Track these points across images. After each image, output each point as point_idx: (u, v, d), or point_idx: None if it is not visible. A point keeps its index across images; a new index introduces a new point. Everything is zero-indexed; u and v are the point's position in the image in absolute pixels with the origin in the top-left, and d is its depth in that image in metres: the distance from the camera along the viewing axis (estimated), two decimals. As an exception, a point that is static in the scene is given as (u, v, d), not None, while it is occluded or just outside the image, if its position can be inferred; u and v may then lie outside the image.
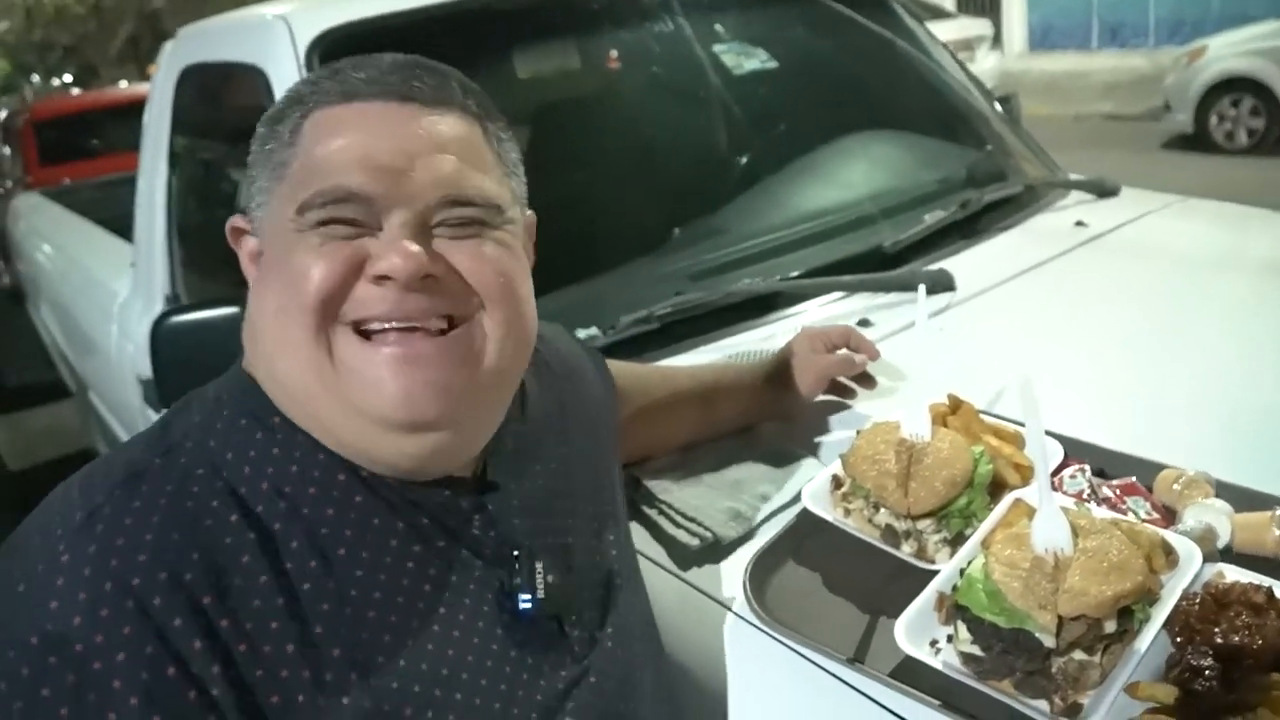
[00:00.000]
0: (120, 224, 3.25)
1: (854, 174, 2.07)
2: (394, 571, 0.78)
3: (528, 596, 0.82)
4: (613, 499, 1.04)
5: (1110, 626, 0.86)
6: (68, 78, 29.77)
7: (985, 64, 11.52)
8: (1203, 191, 2.31)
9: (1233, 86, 8.69)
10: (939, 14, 12.75)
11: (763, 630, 1.02)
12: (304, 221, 0.77)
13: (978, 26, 13.56)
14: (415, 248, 0.76)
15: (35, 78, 32.55)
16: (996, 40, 14.29)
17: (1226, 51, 8.85)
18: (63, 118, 8.32)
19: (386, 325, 0.77)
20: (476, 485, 0.86)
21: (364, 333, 0.78)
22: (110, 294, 2.94)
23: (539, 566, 0.83)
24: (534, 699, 0.81)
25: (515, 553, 0.84)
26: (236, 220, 0.86)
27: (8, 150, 8.43)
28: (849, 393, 1.42)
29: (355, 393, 0.77)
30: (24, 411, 5.73)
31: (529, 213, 0.91)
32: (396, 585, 0.78)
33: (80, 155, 7.47)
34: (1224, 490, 1.08)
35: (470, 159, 0.82)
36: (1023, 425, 1.19)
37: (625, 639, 0.93)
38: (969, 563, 0.95)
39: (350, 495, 0.79)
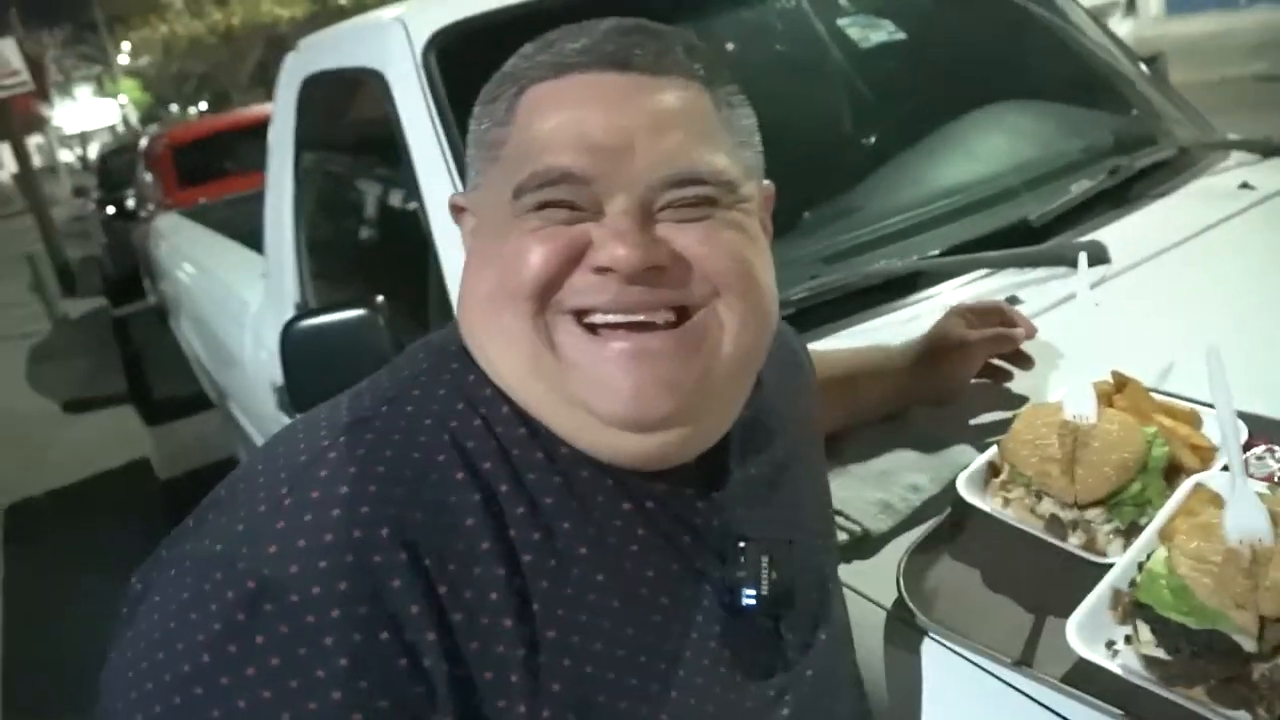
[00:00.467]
0: (253, 238, 3.34)
1: (992, 146, 1.96)
2: (616, 555, 0.73)
3: (752, 591, 0.76)
4: (827, 497, 0.98)
5: (1323, 626, 0.77)
6: (203, 105, 31.19)
7: (1119, 31, 11.03)
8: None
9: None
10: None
11: (922, 631, 0.95)
12: (520, 206, 0.73)
13: (1109, -8, 13.04)
14: (638, 237, 0.71)
15: (174, 107, 34.22)
16: (1130, 6, 13.70)
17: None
18: (198, 141, 8.66)
19: (610, 318, 0.72)
20: (701, 471, 0.79)
21: (589, 325, 0.73)
22: (243, 305, 3.03)
23: (765, 560, 0.77)
24: (745, 702, 0.76)
25: (741, 544, 0.78)
26: (456, 198, 0.84)
27: (149, 176, 8.82)
28: (1004, 374, 1.33)
29: (580, 388, 0.72)
30: (171, 423, 6.03)
31: (766, 183, 0.84)
32: (618, 569, 0.73)
33: (216, 176, 7.75)
34: None
35: (698, 132, 0.75)
36: (1198, 402, 1.09)
37: (836, 647, 0.87)
38: (1147, 555, 0.87)
39: (576, 470, 0.74)
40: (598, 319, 0.72)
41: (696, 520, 0.78)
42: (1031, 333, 1.32)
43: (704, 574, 0.77)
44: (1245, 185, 1.82)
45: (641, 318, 0.72)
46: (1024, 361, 1.32)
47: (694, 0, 1.99)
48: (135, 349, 8.32)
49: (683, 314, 0.73)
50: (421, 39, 1.80)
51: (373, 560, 0.64)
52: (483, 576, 0.67)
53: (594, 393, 0.72)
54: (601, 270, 0.71)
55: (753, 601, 0.76)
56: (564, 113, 0.73)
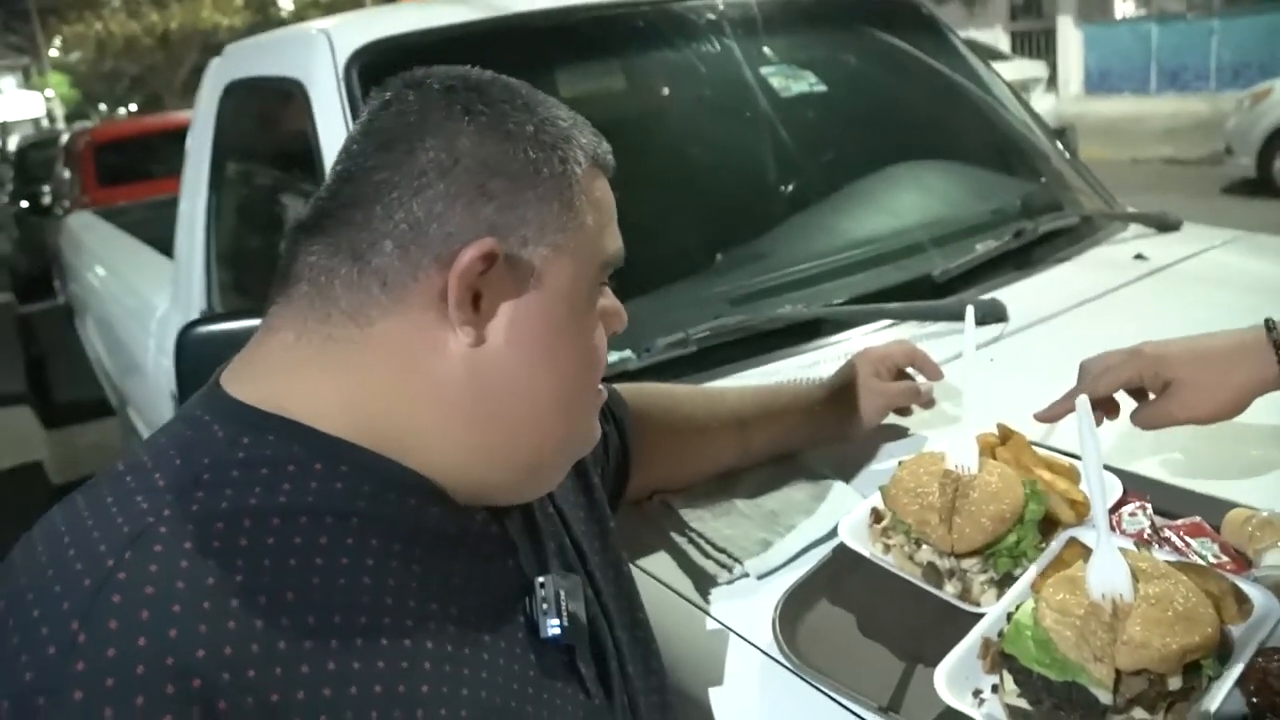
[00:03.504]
0: (168, 243, 3.27)
1: (904, 202, 2.01)
2: (440, 617, 0.72)
3: (555, 622, 0.78)
4: (609, 540, 0.97)
5: (1175, 683, 0.78)
6: (133, 107, 30.54)
7: (1041, 106, 11.40)
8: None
9: (1298, 130, 8.51)
10: (994, 55, 12.69)
11: (793, 672, 0.95)
12: (598, 284, 0.79)
13: (1033, 68, 13.51)
14: None
15: (103, 106, 33.46)
16: (1051, 82, 14.20)
17: (1293, 94, 8.69)
18: (122, 140, 8.46)
19: None
20: (496, 515, 0.81)
21: None
22: (150, 310, 2.95)
23: (561, 595, 0.79)
24: None
25: (540, 580, 0.80)
26: (493, 245, 0.71)
27: (69, 172, 8.59)
28: (906, 411, 1.36)
29: (581, 441, 0.83)
30: (69, 427, 5.82)
31: None
32: (446, 614, 0.72)
33: (138, 178, 7.55)
34: (1301, 535, 1.00)
35: None
36: (1078, 458, 1.12)
37: (628, 685, 0.88)
38: (1017, 607, 0.88)
39: (391, 542, 0.71)
40: None
41: (498, 560, 0.79)
42: (938, 378, 1.35)
43: (513, 609, 0.79)
44: (1140, 256, 1.89)
45: None
46: (927, 404, 1.35)
47: (619, 38, 2.00)
48: (39, 349, 8.04)
49: None
50: (345, 53, 1.79)
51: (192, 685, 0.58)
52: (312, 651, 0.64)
53: (588, 439, 0.84)
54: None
55: (558, 631, 0.78)
56: (613, 209, 0.80)
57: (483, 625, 0.75)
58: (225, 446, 0.69)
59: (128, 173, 7.73)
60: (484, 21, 1.87)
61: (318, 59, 1.83)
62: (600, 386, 0.83)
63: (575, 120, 0.78)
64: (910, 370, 1.36)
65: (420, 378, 0.72)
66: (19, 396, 6.68)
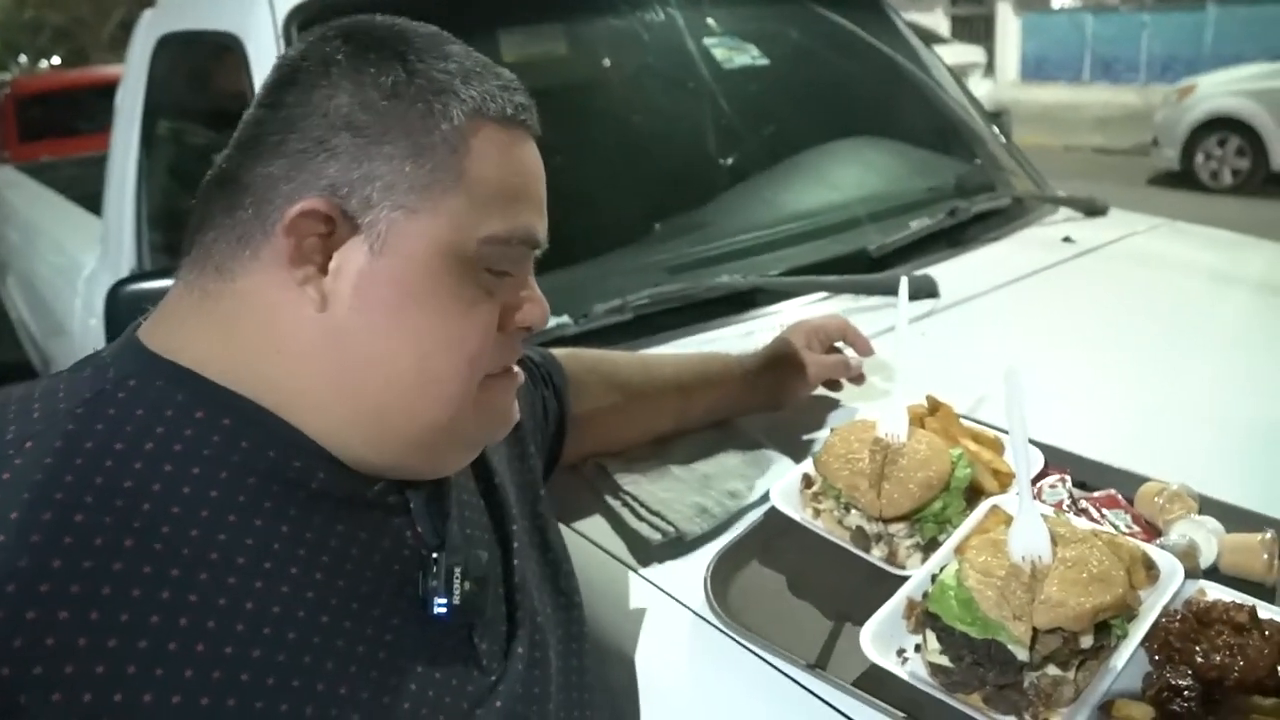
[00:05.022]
0: (96, 201, 3.18)
1: (842, 177, 2.04)
2: (305, 574, 0.71)
3: (443, 601, 0.77)
4: (514, 501, 0.96)
5: (1087, 641, 0.82)
6: (56, 60, 29.55)
7: (978, 91, 11.52)
8: (1184, 223, 2.30)
9: (1220, 126, 8.78)
10: (933, 39, 12.81)
11: (723, 632, 0.97)
12: (482, 255, 0.73)
13: (971, 54, 13.66)
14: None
15: (22, 58, 32.33)
16: (989, 68, 14.38)
17: (1215, 90, 8.94)
18: (45, 94, 8.21)
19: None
20: (398, 486, 0.80)
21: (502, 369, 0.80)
22: (77, 268, 2.88)
23: (457, 572, 0.78)
24: (441, 707, 0.76)
25: (434, 555, 0.78)
26: (321, 203, 0.69)
27: (-13, 126, 8.32)
28: (836, 387, 1.39)
29: (485, 426, 0.81)
30: (-11, 390, 5.64)
31: None
32: (307, 590, 0.70)
33: (62, 133, 7.35)
34: (1207, 505, 1.05)
35: None
36: (1004, 431, 1.15)
37: (542, 656, 0.87)
38: (941, 569, 0.90)
39: (262, 498, 0.71)
40: None
41: (394, 531, 0.78)
42: (869, 353, 1.38)
43: (400, 583, 0.77)
44: (1068, 239, 1.95)
45: None
46: (857, 379, 1.38)
47: (567, 5, 2.00)
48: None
49: None
50: (284, 8, 1.76)
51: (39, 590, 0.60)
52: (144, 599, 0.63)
53: (496, 425, 0.82)
54: (524, 330, 0.79)
55: (444, 610, 0.77)
56: (523, 171, 0.75)
57: (355, 592, 0.73)
58: (110, 386, 0.69)
59: (52, 128, 7.52)
60: (427, -20, 1.85)
61: (256, 14, 1.79)
62: (515, 368, 0.81)
63: (472, 72, 0.73)
64: (841, 344, 1.39)
65: (281, 338, 0.72)
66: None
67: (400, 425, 0.74)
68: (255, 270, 0.71)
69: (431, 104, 0.71)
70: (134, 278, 1.68)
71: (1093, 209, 2.14)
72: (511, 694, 0.82)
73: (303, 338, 0.72)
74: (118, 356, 0.73)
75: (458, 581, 0.78)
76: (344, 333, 0.71)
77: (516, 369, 0.82)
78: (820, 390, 1.38)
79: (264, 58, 1.75)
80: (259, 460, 0.71)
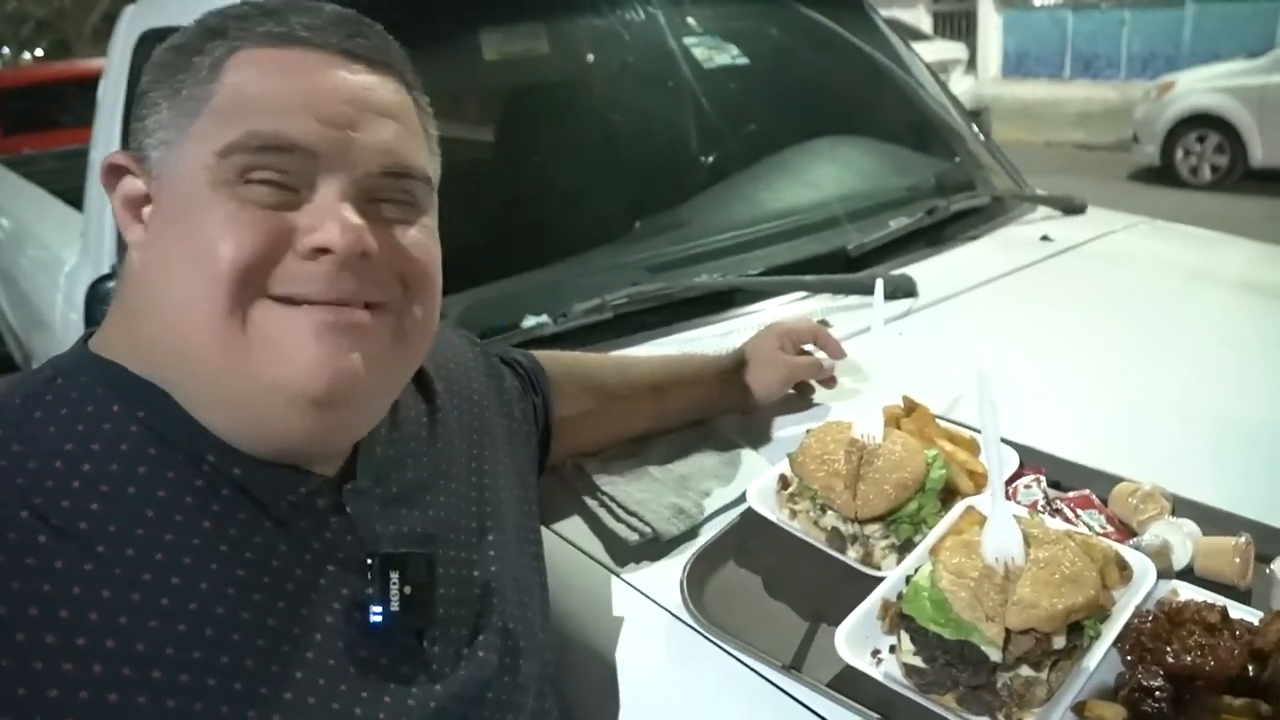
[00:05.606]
0: (78, 195, 3.16)
1: (821, 176, 2.04)
2: (226, 571, 0.70)
3: (379, 608, 0.75)
4: (502, 505, 0.96)
5: (1059, 642, 0.82)
6: (39, 52, 29.32)
7: (959, 87, 11.62)
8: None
9: (1199, 122, 8.83)
10: (915, 35, 12.86)
11: (699, 633, 0.97)
12: (226, 167, 0.70)
13: (953, 50, 13.73)
14: (358, 219, 0.71)
15: (5, 50, 32.06)
16: (971, 64, 14.45)
17: (1195, 87, 8.99)
18: (29, 87, 8.16)
19: (313, 303, 0.72)
20: (337, 486, 0.79)
21: (288, 300, 0.71)
22: (59, 263, 2.86)
23: (394, 577, 0.76)
24: (377, 713, 0.74)
25: (369, 560, 0.77)
26: (118, 157, 0.75)
27: (-32, 119, 8.25)
28: (808, 390, 1.39)
29: (269, 365, 0.70)
30: (-33, 384, 5.60)
31: None
32: (228, 586, 0.69)
33: (46, 126, 7.31)
34: (1181, 506, 1.05)
35: (410, 130, 0.78)
36: (979, 431, 1.16)
37: (502, 657, 0.86)
38: (916, 570, 0.91)
39: (182, 493, 0.71)
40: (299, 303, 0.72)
41: (328, 535, 0.77)
42: (840, 356, 1.38)
43: (334, 589, 0.75)
44: (1046, 238, 1.96)
45: (345, 304, 0.72)
46: (829, 382, 1.38)
47: (548, 3, 1.99)
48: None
49: (374, 309, 0.74)
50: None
51: None
52: (53, 594, 0.64)
53: (284, 366, 0.70)
54: (317, 252, 0.70)
55: (379, 619, 0.75)
56: (291, 81, 0.72)
57: (281, 591, 0.72)
58: (40, 387, 0.72)
59: (34, 121, 7.47)
60: (408, -20, 1.84)
61: (236, 10, 1.78)
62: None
63: (263, 13, 0.74)
64: (812, 347, 1.39)
65: (141, 305, 0.74)
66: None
67: (187, 366, 0.71)
68: (129, 246, 0.75)
69: (200, 47, 0.74)
70: (114, 275, 1.67)
71: (1071, 207, 2.15)
72: (460, 695, 0.80)
73: (132, 282, 0.75)
74: (62, 356, 0.76)
75: (394, 587, 0.76)
76: (141, 278, 0.74)
77: (319, 313, 0.71)
78: (792, 391, 1.38)
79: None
80: (173, 456, 0.71)
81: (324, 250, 0.70)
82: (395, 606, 0.76)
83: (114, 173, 0.76)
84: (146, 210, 0.75)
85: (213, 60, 0.73)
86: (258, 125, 0.70)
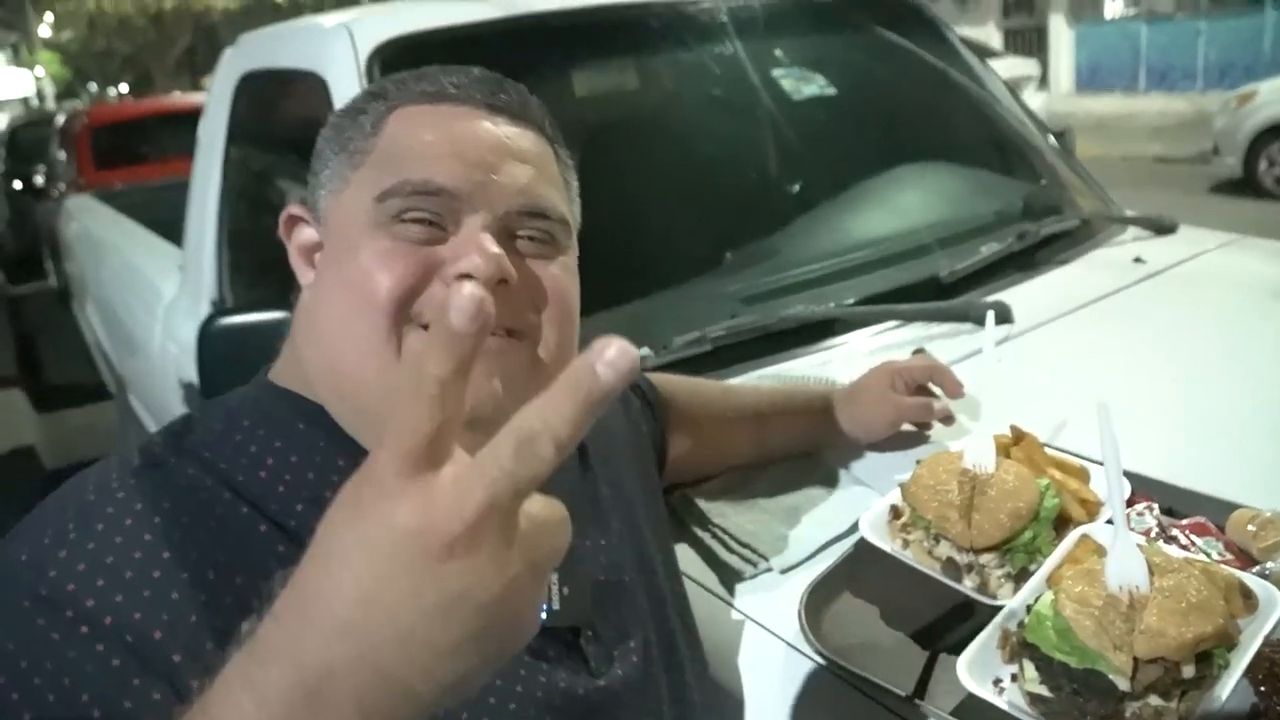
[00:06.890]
0: (169, 227, 3.27)
1: (910, 203, 2.05)
2: None
3: (544, 606, 0.78)
4: (639, 515, 1.00)
5: (1189, 671, 0.82)
6: (124, 87, 30.29)
7: (1032, 104, 11.42)
8: (1253, 235, 2.27)
9: (1283, 132, 8.60)
10: (986, 53, 12.73)
11: (818, 662, 0.99)
12: (383, 210, 0.77)
13: (1025, 66, 13.55)
14: (496, 248, 0.76)
15: (93, 85, 33.15)
16: (1043, 80, 14.26)
17: (1277, 96, 8.76)
18: (118, 124, 8.43)
19: None
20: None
21: None
22: (157, 295, 2.96)
23: (554, 577, 0.80)
24: (549, 711, 0.79)
25: None
26: (295, 209, 0.85)
27: (64, 154, 8.56)
28: (925, 427, 1.38)
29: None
30: (62, 411, 5.80)
31: None
32: None
33: (133, 160, 7.56)
34: (1302, 534, 1.04)
35: (549, 176, 0.83)
36: (1088, 459, 1.16)
37: (649, 659, 0.90)
38: (1035, 599, 0.92)
39: None
40: None
41: None
42: (959, 395, 1.35)
43: None
44: (1138, 259, 1.94)
45: None
46: (946, 420, 1.36)
47: (633, 39, 2.03)
48: (29, 331, 8.01)
49: (512, 335, 0.79)
50: (367, 48, 1.81)
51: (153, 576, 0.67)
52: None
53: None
54: (461, 278, 0.74)
55: (544, 616, 0.78)
56: (438, 131, 0.79)
57: None
58: (225, 425, 0.79)
59: (124, 155, 7.72)
60: (503, 20, 1.89)
61: (338, 53, 1.85)
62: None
63: (418, 76, 0.83)
64: (931, 385, 1.37)
65: (300, 326, 0.83)
66: (9, 379, 6.67)
67: (346, 389, 0.78)
68: (303, 288, 0.85)
69: (364, 108, 0.83)
70: (224, 312, 1.74)
71: (1161, 227, 2.12)
72: (620, 694, 0.84)
73: (300, 321, 0.84)
74: (243, 389, 0.85)
75: (555, 587, 0.81)
76: (308, 309, 0.82)
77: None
78: (908, 427, 1.37)
79: (346, 96, 1.81)
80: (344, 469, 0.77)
81: (467, 276, 0.74)
82: (556, 605, 0.81)
83: (290, 223, 0.85)
84: (318, 256, 0.83)
85: (375, 118, 0.81)
86: (410, 174, 0.77)
